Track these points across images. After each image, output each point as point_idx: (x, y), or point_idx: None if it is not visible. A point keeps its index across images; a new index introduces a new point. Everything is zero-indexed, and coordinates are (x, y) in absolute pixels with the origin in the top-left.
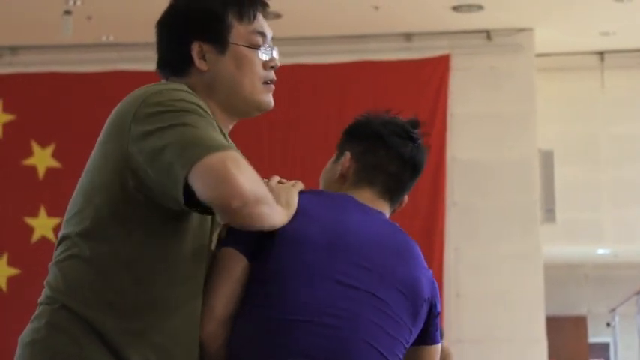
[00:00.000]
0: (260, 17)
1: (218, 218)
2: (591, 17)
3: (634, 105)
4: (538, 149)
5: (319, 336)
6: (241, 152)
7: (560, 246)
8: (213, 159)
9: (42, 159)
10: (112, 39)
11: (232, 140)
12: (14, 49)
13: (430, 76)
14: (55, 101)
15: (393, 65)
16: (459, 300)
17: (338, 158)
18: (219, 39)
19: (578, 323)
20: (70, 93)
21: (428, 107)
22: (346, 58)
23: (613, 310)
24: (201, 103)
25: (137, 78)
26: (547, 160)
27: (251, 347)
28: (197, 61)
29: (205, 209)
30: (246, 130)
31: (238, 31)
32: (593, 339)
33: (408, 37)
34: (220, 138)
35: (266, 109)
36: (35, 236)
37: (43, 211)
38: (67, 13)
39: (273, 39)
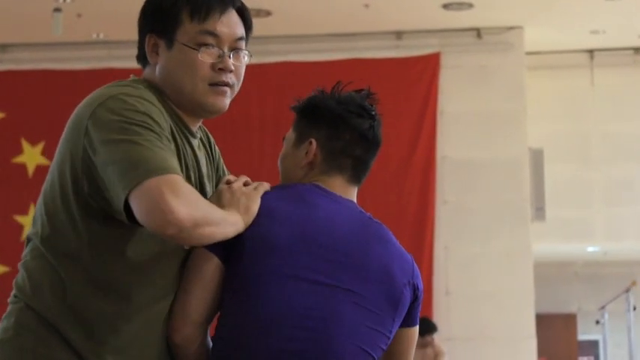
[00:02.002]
0: (217, 17)
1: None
2: (581, 15)
3: (624, 103)
4: (528, 147)
5: (296, 339)
6: (232, 153)
7: (550, 244)
8: (149, 184)
9: (32, 157)
10: (102, 36)
11: (222, 141)
12: (4, 47)
13: (420, 74)
14: (45, 99)
15: (383, 63)
16: (449, 298)
17: (299, 142)
18: (167, 34)
19: (568, 321)
20: (60, 91)
21: (418, 105)
22: (336, 56)
23: (602, 307)
24: (154, 110)
25: (127, 75)
26: (537, 158)
27: (232, 355)
28: (148, 53)
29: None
30: (236, 131)
31: (186, 28)
32: (582, 336)
33: (398, 35)
34: (163, 156)
35: (214, 112)
36: (25, 234)
37: (32, 209)
38: (57, 10)
39: (262, 37)
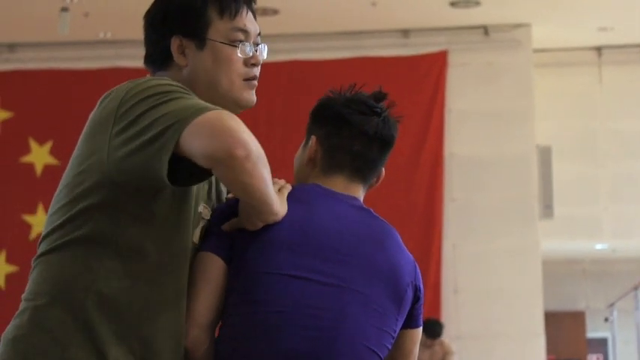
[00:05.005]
0: (244, 13)
1: (216, 174)
2: (589, 12)
3: (632, 100)
4: (536, 145)
5: (304, 339)
6: None
7: (558, 241)
8: (209, 115)
9: (40, 156)
10: (109, 36)
11: None
12: (11, 46)
13: (427, 72)
14: (52, 98)
15: (390, 61)
16: (457, 296)
17: (306, 141)
18: (197, 34)
19: (577, 318)
20: (68, 90)
21: (425, 103)
22: (343, 54)
23: (611, 305)
24: (187, 88)
25: (134, 75)
26: (545, 155)
27: (237, 355)
28: (176, 56)
29: (190, 180)
30: None
31: (217, 27)
32: (591, 334)
33: (406, 33)
34: (212, 105)
35: (247, 107)
36: (33, 233)
37: (40, 208)
38: (64, 9)
39: (269, 35)
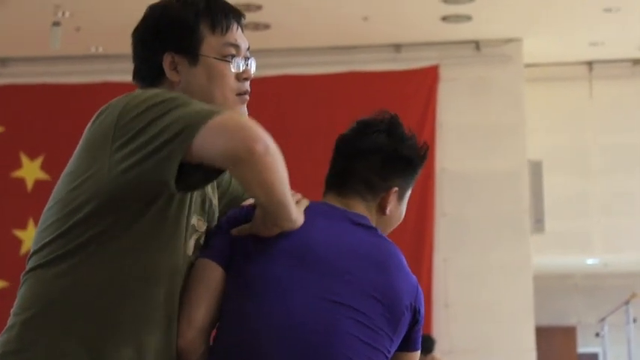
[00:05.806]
0: (234, 28)
1: (235, 174)
2: (580, 27)
3: (622, 115)
4: (527, 159)
5: (294, 353)
6: None
7: (549, 256)
8: (221, 117)
9: (31, 171)
10: (100, 50)
11: None
12: (3, 61)
13: (419, 87)
14: (44, 113)
15: (381, 76)
16: (448, 311)
17: None
18: (190, 51)
19: (568, 333)
20: (59, 104)
21: (417, 118)
22: (335, 69)
23: (602, 320)
24: (186, 95)
25: (126, 89)
26: (536, 170)
27: None
28: (168, 73)
29: (196, 183)
30: None
31: (210, 42)
32: (582, 349)
33: (397, 47)
34: (218, 107)
35: None
36: (24, 248)
37: (31, 223)
38: (56, 24)
39: (260, 50)
